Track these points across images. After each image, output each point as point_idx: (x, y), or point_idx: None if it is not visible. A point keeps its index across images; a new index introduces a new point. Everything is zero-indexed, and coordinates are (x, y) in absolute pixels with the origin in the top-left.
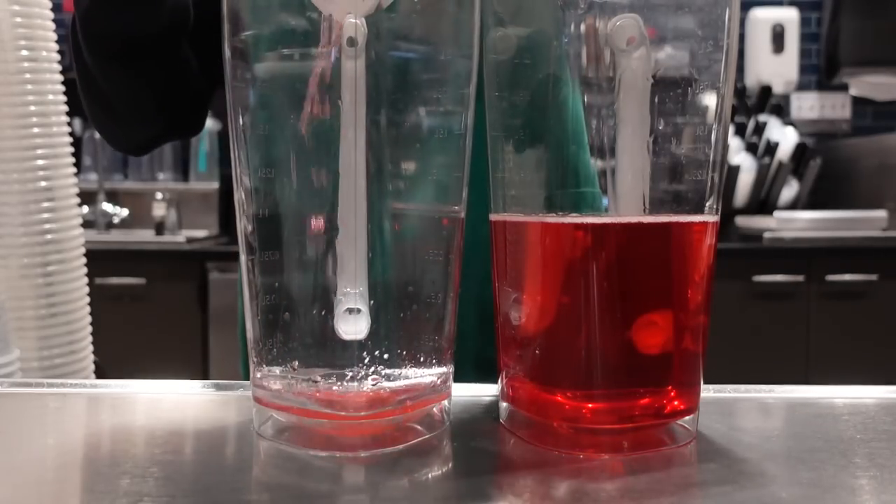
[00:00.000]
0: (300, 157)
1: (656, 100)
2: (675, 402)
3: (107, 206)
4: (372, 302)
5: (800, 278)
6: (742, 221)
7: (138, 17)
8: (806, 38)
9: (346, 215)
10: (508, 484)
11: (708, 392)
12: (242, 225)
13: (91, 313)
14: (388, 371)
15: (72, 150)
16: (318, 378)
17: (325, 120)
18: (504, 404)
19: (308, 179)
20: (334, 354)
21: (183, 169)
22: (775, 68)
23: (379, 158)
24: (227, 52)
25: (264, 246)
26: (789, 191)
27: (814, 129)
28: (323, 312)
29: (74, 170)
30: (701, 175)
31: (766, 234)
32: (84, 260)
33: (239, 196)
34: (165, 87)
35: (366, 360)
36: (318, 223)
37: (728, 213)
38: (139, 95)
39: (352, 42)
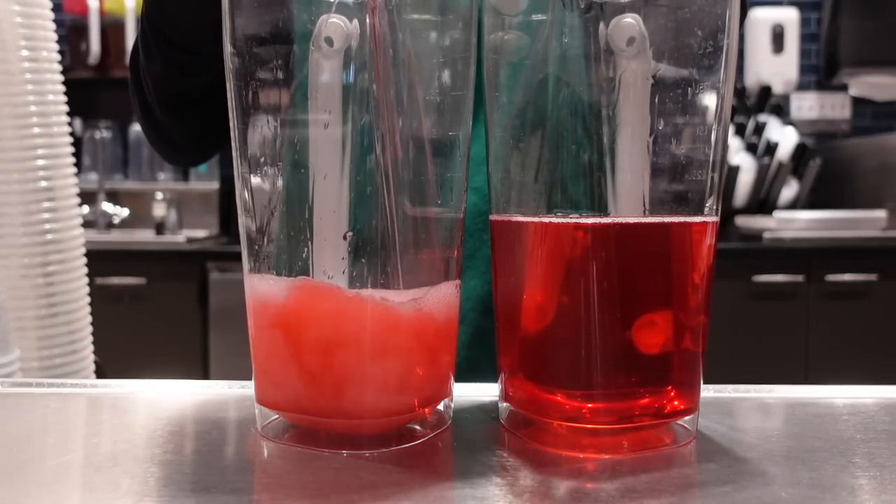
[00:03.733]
0: (301, 155)
1: (656, 100)
2: (675, 402)
3: (107, 206)
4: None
5: (800, 278)
6: (742, 221)
7: (209, 70)
8: (806, 38)
9: (324, 213)
10: (508, 484)
11: (708, 392)
12: (244, 224)
13: (91, 313)
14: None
15: (72, 150)
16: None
17: (325, 119)
18: (504, 404)
19: (308, 177)
20: None
21: (183, 169)
22: (775, 68)
23: (376, 159)
24: (228, 50)
25: (266, 245)
26: (789, 191)
27: (814, 129)
28: None
29: (74, 170)
30: (701, 175)
31: (766, 234)
32: (84, 260)
33: (241, 194)
34: (225, 120)
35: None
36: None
37: (728, 213)
38: (205, 132)
39: (330, 42)
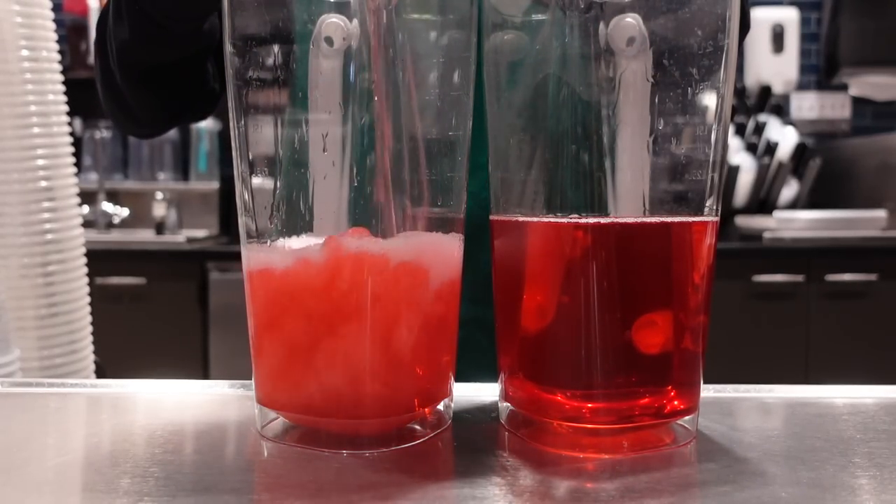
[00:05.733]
0: (301, 155)
1: (656, 100)
2: (675, 402)
3: (107, 206)
4: None
5: (800, 278)
6: (742, 221)
7: (177, 47)
8: (806, 38)
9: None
10: (508, 484)
11: (708, 392)
12: (244, 224)
13: (91, 313)
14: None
15: (72, 150)
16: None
17: (325, 118)
18: (504, 404)
19: (308, 177)
20: None
21: (183, 169)
22: (775, 68)
23: (377, 160)
24: (228, 50)
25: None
26: (789, 191)
27: (814, 129)
28: None
29: (74, 170)
30: (701, 175)
31: (766, 234)
32: (84, 260)
33: (241, 194)
34: (185, 96)
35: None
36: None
37: (728, 213)
38: (162, 106)
39: (330, 42)
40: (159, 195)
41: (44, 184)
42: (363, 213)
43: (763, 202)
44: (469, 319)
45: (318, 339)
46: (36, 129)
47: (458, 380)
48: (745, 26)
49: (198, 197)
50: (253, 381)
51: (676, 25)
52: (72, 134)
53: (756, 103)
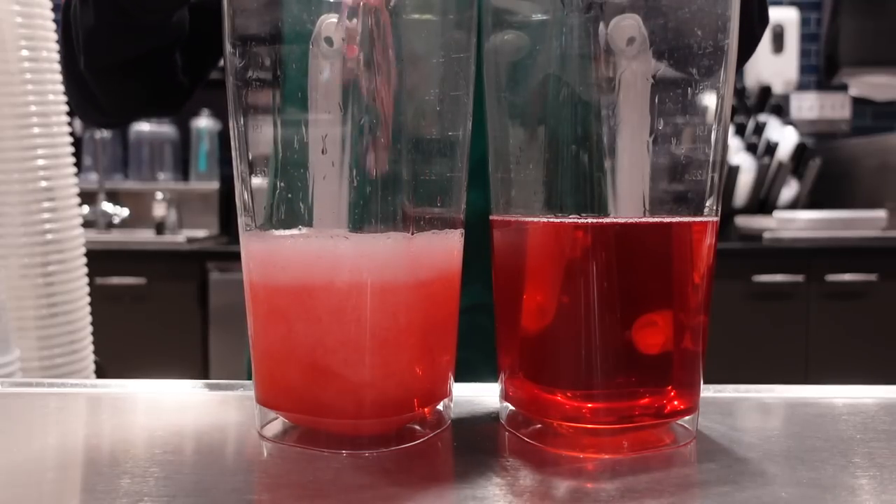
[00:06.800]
0: (300, 154)
1: (656, 100)
2: (675, 402)
3: (107, 206)
4: None
5: (799, 278)
6: (742, 221)
7: (143, 39)
8: (806, 38)
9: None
10: (508, 484)
11: (708, 392)
12: (244, 224)
13: (91, 313)
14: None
15: (72, 150)
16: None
17: (324, 119)
18: (504, 404)
19: (308, 177)
20: None
21: (183, 169)
22: (775, 68)
23: (377, 160)
24: (228, 50)
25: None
26: (789, 191)
27: (813, 129)
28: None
29: (75, 170)
30: (701, 175)
31: (766, 234)
32: (84, 260)
33: (240, 194)
34: (152, 88)
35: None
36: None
37: (728, 213)
38: (128, 97)
39: (330, 42)
40: (159, 195)
41: (44, 184)
42: (363, 213)
43: (763, 202)
44: (477, 305)
45: (318, 339)
46: (36, 129)
47: (463, 367)
48: (763, 19)
49: (198, 197)
50: (253, 381)
51: (676, 25)
52: (72, 134)
53: (756, 103)
